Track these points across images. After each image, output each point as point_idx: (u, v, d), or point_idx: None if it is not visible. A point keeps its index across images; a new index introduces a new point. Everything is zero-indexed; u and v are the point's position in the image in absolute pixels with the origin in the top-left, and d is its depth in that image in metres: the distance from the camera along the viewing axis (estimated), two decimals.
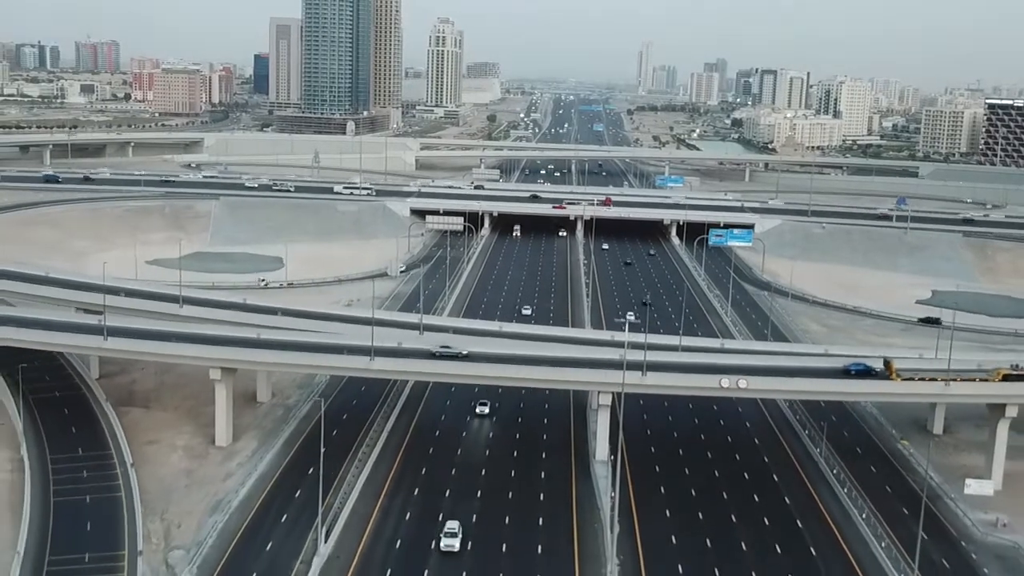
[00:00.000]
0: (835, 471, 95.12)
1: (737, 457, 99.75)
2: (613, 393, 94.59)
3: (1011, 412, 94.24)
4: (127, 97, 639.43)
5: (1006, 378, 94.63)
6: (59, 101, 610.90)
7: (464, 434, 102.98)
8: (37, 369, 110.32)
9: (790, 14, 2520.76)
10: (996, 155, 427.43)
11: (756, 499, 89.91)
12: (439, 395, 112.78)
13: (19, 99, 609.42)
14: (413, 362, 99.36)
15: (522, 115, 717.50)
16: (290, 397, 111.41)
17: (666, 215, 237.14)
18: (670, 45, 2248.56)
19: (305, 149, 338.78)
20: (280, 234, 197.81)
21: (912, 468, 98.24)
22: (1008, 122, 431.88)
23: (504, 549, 78.88)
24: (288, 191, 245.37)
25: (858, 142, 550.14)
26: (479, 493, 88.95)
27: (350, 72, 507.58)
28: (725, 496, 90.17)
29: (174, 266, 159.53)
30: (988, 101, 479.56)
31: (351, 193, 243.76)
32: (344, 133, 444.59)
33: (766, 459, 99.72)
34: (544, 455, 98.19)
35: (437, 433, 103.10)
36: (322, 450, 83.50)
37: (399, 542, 79.40)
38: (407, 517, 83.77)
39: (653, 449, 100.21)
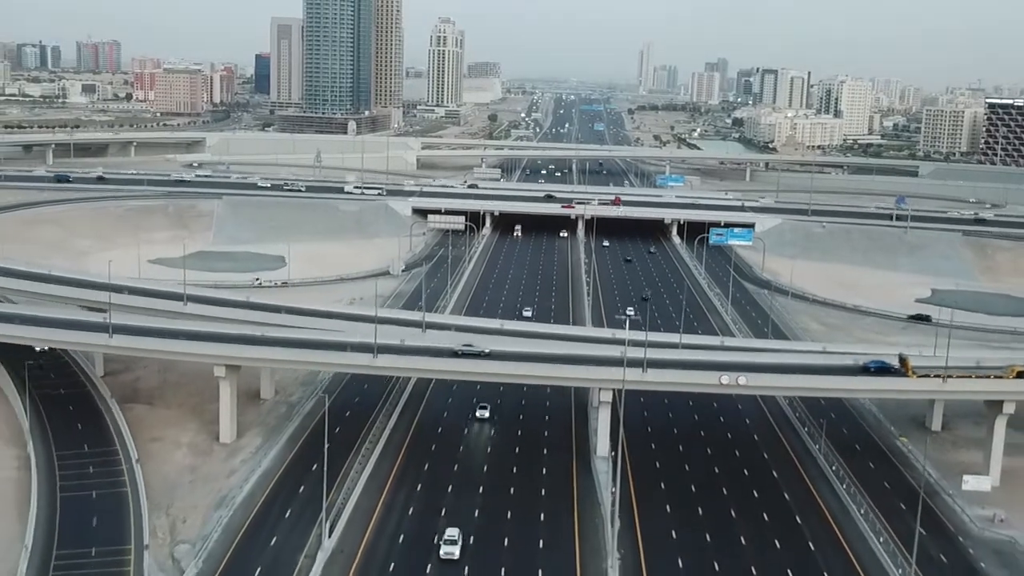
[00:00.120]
0: (834, 467, 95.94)
1: (737, 453, 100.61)
2: (614, 390, 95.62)
3: (1008, 409, 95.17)
4: (128, 97, 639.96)
5: (1020, 375, 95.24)
6: (61, 101, 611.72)
7: (466, 431, 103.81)
8: (43, 367, 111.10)
9: (791, 14, 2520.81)
10: (996, 154, 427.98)
11: (755, 495, 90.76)
12: (441, 393, 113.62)
13: (21, 99, 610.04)
14: (416, 359, 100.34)
15: (523, 115, 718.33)
16: (293, 394, 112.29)
17: (667, 214, 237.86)
18: (671, 45, 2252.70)
19: (307, 149, 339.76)
20: (283, 233, 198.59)
21: (910, 464, 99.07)
22: (1008, 121, 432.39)
23: (506, 543, 79.79)
24: (299, 191, 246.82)
25: (859, 141, 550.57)
26: (481, 489, 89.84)
27: (351, 72, 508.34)
28: (725, 492, 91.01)
29: (177, 265, 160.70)
30: (988, 101, 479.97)
31: (362, 193, 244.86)
32: (345, 133, 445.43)
33: (765, 455, 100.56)
34: (545, 451, 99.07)
35: (439, 430, 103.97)
36: (326, 446, 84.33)
37: (402, 537, 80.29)
38: (410, 512, 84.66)
39: (653, 445, 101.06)
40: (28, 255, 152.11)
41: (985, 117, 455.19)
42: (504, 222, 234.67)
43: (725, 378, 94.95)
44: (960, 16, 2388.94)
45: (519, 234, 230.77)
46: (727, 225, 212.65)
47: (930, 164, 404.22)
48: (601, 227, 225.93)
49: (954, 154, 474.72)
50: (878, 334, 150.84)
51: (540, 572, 75.42)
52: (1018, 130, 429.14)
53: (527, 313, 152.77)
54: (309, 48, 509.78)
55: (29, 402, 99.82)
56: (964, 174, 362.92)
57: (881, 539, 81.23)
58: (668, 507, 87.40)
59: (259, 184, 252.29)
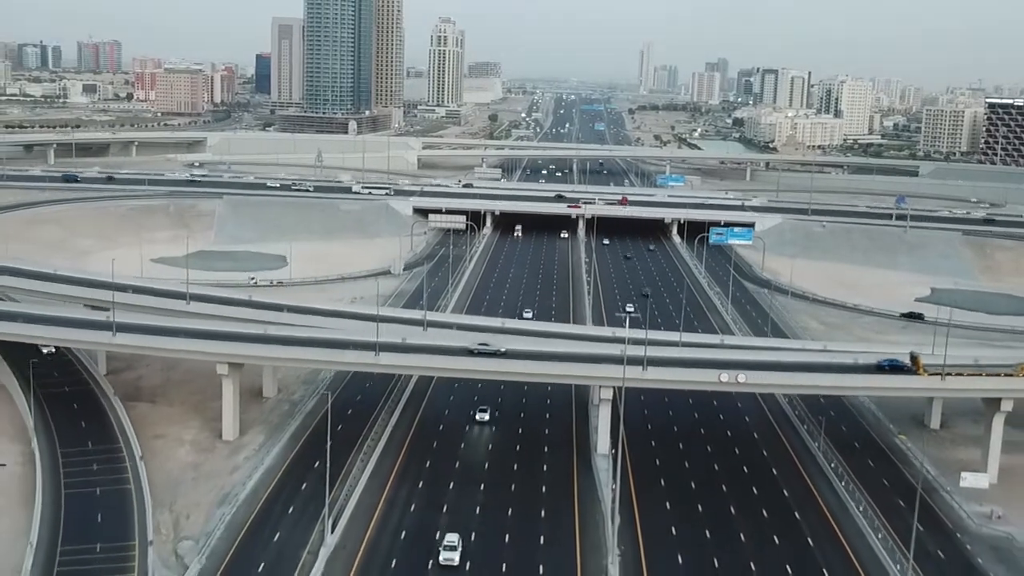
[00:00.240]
0: (833, 465, 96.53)
1: (736, 451, 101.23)
2: (614, 388, 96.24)
3: (1006, 406, 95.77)
4: (129, 97, 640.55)
5: None
6: (61, 101, 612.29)
7: (467, 428, 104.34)
8: (46, 364, 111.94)
9: (791, 14, 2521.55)
10: (996, 154, 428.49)
11: (755, 491, 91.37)
12: (442, 391, 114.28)
13: (22, 99, 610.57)
14: (417, 357, 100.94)
15: (523, 115, 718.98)
16: (295, 393, 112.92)
17: (667, 214, 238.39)
18: (671, 45, 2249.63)
19: (307, 148, 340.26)
20: (284, 233, 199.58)
21: (909, 462, 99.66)
22: (1008, 121, 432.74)
23: (507, 539, 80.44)
24: (308, 191, 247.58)
25: (859, 141, 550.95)
26: (482, 486, 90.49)
27: (352, 72, 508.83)
28: (724, 489, 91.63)
29: (178, 264, 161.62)
30: (988, 100, 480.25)
31: (370, 193, 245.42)
32: (346, 133, 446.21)
33: (765, 453, 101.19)
34: (546, 449, 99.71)
35: (441, 427, 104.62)
36: (328, 443, 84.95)
37: (404, 533, 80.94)
38: (412, 508, 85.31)
39: (654, 443, 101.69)
40: (30, 254, 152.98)
41: (985, 117, 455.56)
42: (505, 222, 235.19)
43: (724, 376, 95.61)
44: (960, 16, 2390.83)
45: (519, 234, 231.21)
46: (727, 224, 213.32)
47: (930, 164, 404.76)
48: (602, 226, 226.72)
49: (954, 154, 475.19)
50: (878, 333, 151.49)
51: (541, 568, 76.08)
52: (1018, 130, 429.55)
53: (527, 315, 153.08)
54: (310, 48, 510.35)
55: (33, 400, 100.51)
56: (964, 174, 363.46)
57: (879, 535, 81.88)
58: (668, 504, 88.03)
59: (269, 184, 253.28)
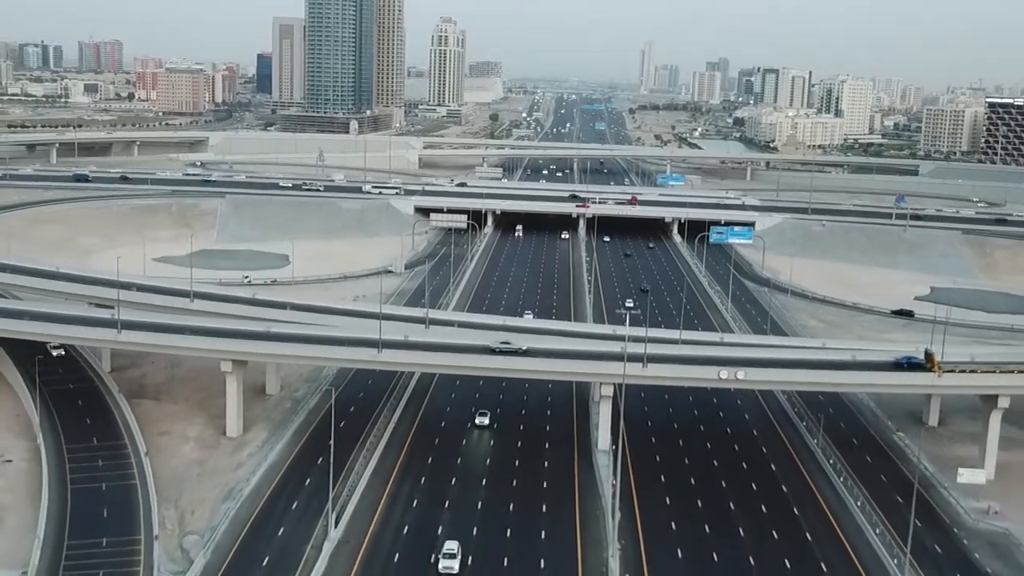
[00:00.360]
0: (831, 461, 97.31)
1: (736, 448, 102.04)
2: (615, 384, 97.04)
3: (1003, 403, 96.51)
4: (131, 96, 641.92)
5: None
6: (63, 100, 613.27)
7: (469, 425, 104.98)
8: (51, 362, 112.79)
9: (792, 14, 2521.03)
10: (996, 154, 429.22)
11: (754, 487, 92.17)
12: (444, 389, 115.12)
13: (23, 98, 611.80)
14: (417, 354, 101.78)
15: (524, 114, 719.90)
16: (298, 390, 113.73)
17: (667, 213, 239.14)
18: (672, 44, 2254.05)
19: (309, 148, 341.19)
20: (286, 232, 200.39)
21: (907, 458, 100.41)
22: (1008, 121, 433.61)
23: (509, 535, 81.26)
24: (318, 190, 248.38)
25: (859, 141, 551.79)
26: (484, 482, 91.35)
27: (353, 71, 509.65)
28: (724, 485, 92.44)
29: (181, 263, 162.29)
30: (989, 100, 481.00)
31: (380, 193, 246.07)
32: (347, 132, 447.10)
33: (764, 449, 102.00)
34: (547, 445, 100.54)
35: (443, 424, 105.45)
36: (332, 439, 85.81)
37: (407, 528, 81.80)
38: (414, 504, 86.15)
39: (654, 440, 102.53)
40: (33, 253, 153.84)
41: (985, 116, 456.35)
42: (506, 221, 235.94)
43: (724, 373, 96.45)
44: (961, 16, 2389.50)
45: (520, 234, 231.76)
46: (727, 223, 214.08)
47: (930, 163, 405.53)
48: (602, 225, 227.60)
49: (955, 153, 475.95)
50: (877, 332, 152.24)
51: (542, 562, 76.91)
52: (1018, 129, 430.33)
53: (528, 316, 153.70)
54: (311, 48, 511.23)
55: (39, 397, 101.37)
56: (964, 173, 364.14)
57: (877, 530, 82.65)
58: (668, 499, 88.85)
59: (280, 184, 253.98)
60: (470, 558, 76.65)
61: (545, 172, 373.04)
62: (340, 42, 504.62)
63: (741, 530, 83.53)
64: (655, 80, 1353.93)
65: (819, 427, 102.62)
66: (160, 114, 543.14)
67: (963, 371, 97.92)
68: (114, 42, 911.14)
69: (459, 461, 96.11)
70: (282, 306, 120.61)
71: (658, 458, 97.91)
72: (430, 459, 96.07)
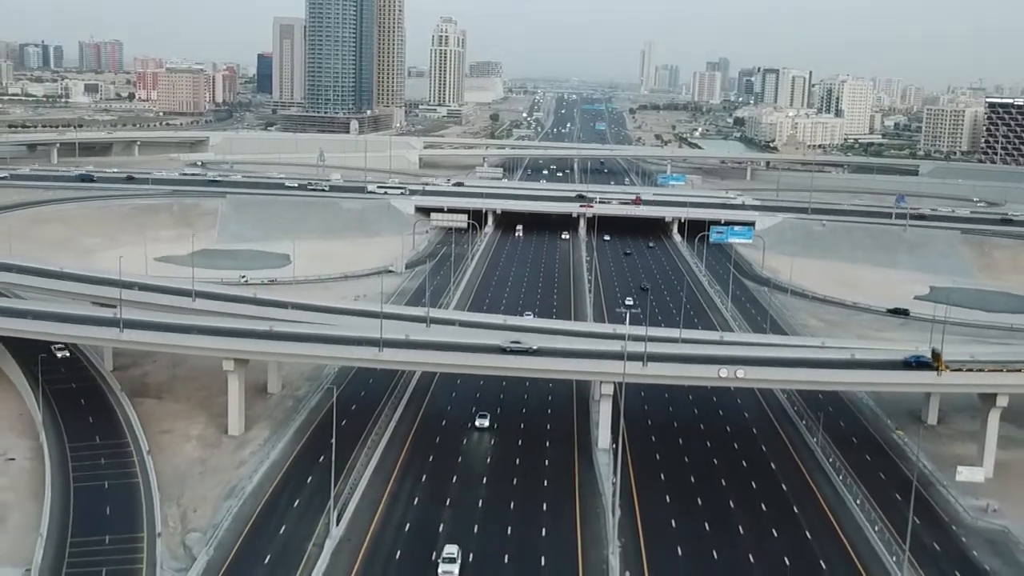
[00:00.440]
0: (831, 459, 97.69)
1: (736, 446, 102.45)
2: (615, 383, 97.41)
3: (1002, 402, 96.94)
4: (131, 97, 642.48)
5: None
6: (63, 100, 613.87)
7: (470, 424, 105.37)
8: (54, 361, 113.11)
9: (792, 14, 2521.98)
10: (996, 153, 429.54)
11: (754, 486, 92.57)
12: (445, 387, 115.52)
13: (24, 99, 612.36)
14: (419, 353, 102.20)
15: (525, 114, 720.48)
16: (300, 389, 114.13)
17: (668, 212, 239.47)
18: (672, 44, 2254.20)
19: (309, 148, 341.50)
20: (286, 231, 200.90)
21: (906, 457, 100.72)
22: (1008, 120, 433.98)
23: (509, 532, 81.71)
24: (324, 190, 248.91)
25: (860, 141, 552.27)
26: (485, 480, 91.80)
27: (353, 71, 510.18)
28: (723, 483, 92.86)
29: (182, 263, 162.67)
30: (989, 100, 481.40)
31: (385, 193, 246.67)
32: (348, 132, 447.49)
33: (764, 448, 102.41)
34: (548, 444, 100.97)
35: (443, 423, 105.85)
36: (334, 434, 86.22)
37: (408, 525, 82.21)
38: (415, 502, 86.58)
39: (654, 438, 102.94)
40: (35, 253, 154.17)
41: (985, 116, 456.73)
42: (506, 221, 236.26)
43: (724, 371, 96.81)
44: (961, 17, 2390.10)
45: (520, 234, 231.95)
46: (728, 223, 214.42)
47: (930, 163, 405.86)
48: (602, 225, 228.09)
49: (955, 153, 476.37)
50: (876, 331, 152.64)
51: (543, 559, 77.33)
52: (1018, 129, 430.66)
53: (528, 316, 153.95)
54: (311, 48, 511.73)
55: (41, 396, 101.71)
56: (964, 173, 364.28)
57: (876, 528, 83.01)
58: (668, 497, 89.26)
59: (287, 184, 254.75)
60: (471, 555, 77.05)
61: (545, 172, 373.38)
62: (340, 42, 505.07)
63: (741, 528, 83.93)
64: (655, 80, 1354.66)
65: (818, 426, 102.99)
66: (160, 114, 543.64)
67: (969, 370, 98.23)
68: (114, 42, 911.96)
69: (460, 460, 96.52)
70: (284, 305, 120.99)
71: (658, 456, 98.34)
72: (431, 457, 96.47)
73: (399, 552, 77.89)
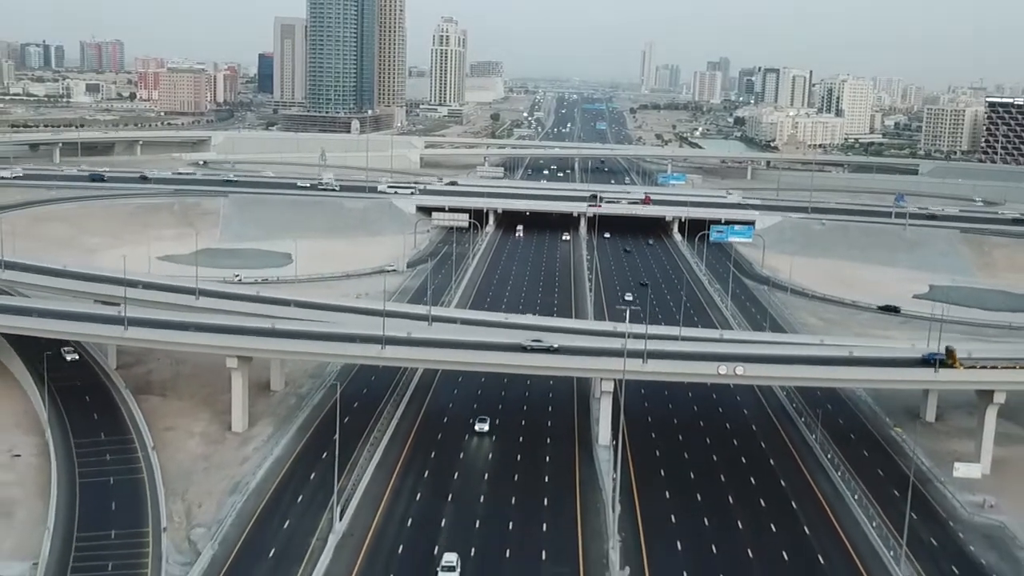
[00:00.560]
0: (829, 456, 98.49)
1: (735, 442, 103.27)
2: (615, 380, 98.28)
3: (999, 399, 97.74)
4: (132, 96, 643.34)
5: None
6: (65, 100, 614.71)
7: (471, 421, 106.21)
8: (59, 358, 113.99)
9: (792, 14, 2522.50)
10: (996, 153, 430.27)
11: (752, 482, 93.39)
12: (447, 385, 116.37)
13: (25, 98, 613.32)
14: (420, 350, 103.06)
15: (525, 114, 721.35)
16: (303, 386, 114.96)
17: (668, 212, 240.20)
18: (673, 44, 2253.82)
19: (311, 148, 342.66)
20: (288, 230, 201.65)
21: (904, 453, 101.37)
22: (1008, 120, 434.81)
23: (511, 527, 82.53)
24: (334, 190, 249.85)
25: (860, 140, 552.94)
26: (486, 476, 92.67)
27: (354, 71, 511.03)
28: (723, 479, 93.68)
29: (185, 261, 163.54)
30: (989, 100, 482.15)
31: (395, 192, 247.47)
32: (349, 132, 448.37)
33: (763, 444, 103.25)
34: (548, 440, 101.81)
35: (445, 419, 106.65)
36: (338, 430, 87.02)
37: (410, 521, 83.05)
38: (418, 497, 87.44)
39: (654, 435, 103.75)
40: (38, 252, 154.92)
41: (986, 116, 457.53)
42: (507, 220, 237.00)
43: (723, 368, 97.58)
44: (961, 17, 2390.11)
45: (521, 234, 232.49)
46: (728, 222, 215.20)
47: (930, 162, 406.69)
48: (603, 224, 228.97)
49: (955, 152, 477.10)
50: (875, 329, 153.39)
51: (543, 554, 78.17)
52: (1018, 128, 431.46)
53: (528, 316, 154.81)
54: (312, 48, 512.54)
55: (47, 393, 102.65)
56: (964, 172, 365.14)
57: (874, 523, 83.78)
58: (668, 493, 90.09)
59: (299, 184, 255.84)
60: (472, 550, 77.86)
61: (546, 171, 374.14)
62: (341, 42, 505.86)
63: (740, 523, 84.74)
64: (656, 80, 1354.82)
65: (817, 422, 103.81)
66: (162, 114, 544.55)
67: (983, 367, 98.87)
68: (116, 42, 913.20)
69: (461, 456, 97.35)
70: (286, 303, 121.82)
71: (658, 452, 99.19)
72: (433, 454, 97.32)
73: (401, 547, 78.69)
